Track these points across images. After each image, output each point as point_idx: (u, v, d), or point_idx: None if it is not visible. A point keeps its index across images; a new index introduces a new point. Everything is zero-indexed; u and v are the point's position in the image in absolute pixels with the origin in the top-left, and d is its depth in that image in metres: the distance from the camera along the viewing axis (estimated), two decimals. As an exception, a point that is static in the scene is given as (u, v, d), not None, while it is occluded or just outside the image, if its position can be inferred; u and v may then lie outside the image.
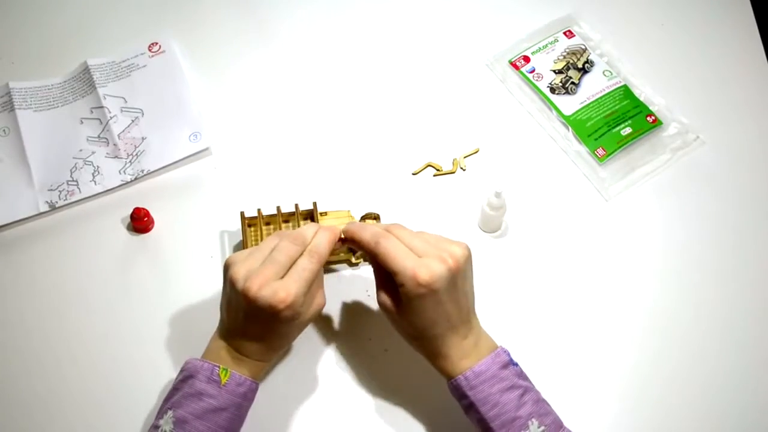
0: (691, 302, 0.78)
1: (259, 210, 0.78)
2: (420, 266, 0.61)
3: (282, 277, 0.62)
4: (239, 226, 0.79)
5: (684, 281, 0.79)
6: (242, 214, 0.78)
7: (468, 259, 0.64)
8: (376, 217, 0.80)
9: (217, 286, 0.78)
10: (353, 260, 0.79)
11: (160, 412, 0.63)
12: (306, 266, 0.63)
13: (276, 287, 0.61)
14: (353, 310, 0.78)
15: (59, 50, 0.95)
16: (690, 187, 0.85)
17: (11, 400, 0.73)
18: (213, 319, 0.76)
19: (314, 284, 0.65)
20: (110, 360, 0.75)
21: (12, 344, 0.76)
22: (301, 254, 0.64)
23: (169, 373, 0.73)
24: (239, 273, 0.62)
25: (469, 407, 0.63)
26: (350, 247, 0.78)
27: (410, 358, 0.69)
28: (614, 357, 0.75)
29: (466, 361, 0.63)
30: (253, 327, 0.64)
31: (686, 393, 0.73)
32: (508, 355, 0.65)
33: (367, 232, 0.65)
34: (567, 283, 0.79)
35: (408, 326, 0.64)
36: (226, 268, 0.65)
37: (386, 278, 0.64)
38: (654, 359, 0.74)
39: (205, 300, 0.78)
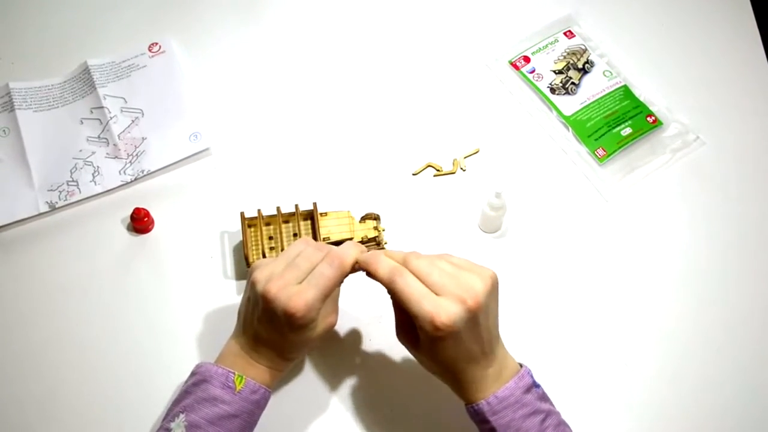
0: (691, 302, 0.78)
1: (259, 210, 0.78)
2: (438, 310, 0.57)
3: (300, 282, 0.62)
4: (239, 226, 0.79)
5: (684, 281, 0.79)
6: (242, 214, 0.78)
7: (490, 293, 0.60)
8: (377, 218, 0.80)
9: (216, 286, 0.79)
10: None
11: (171, 415, 0.63)
12: (325, 272, 0.62)
13: (293, 292, 0.61)
14: (358, 315, 0.78)
15: (59, 50, 0.95)
16: (690, 188, 0.85)
17: (11, 401, 0.73)
18: (213, 319, 0.77)
19: (330, 299, 0.64)
20: (110, 360, 0.75)
21: (12, 344, 0.76)
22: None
23: (169, 374, 0.73)
24: (261, 274, 0.62)
25: None
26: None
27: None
28: (614, 357, 0.75)
29: (489, 383, 0.61)
30: (268, 331, 0.63)
31: (687, 393, 0.73)
32: (531, 376, 0.63)
33: (382, 267, 0.62)
34: (567, 284, 0.79)
35: (428, 362, 0.63)
36: (251, 270, 0.65)
37: (403, 311, 0.61)
38: (654, 359, 0.74)
39: (205, 300, 0.78)
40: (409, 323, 0.62)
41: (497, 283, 0.61)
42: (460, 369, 0.61)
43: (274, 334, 0.63)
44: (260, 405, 0.65)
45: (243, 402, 0.63)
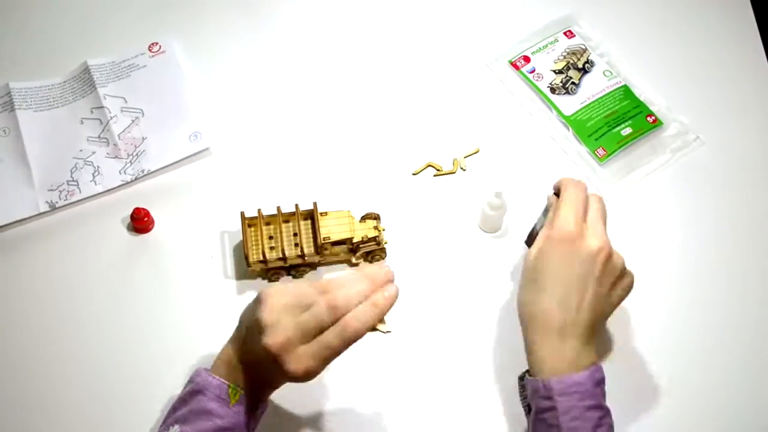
0: (691, 302, 0.78)
1: (259, 210, 0.78)
2: (577, 222, 0.66)
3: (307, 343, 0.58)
4: (239, 226, 0.79)
5: (685, 281, 0.79)
6: (242, 214, 0.78)
7: (625, 279, 0.68)
8: (377, 217, 0.80)
9: (216, 286, 0.79)
10: (353, 260, 0.79)
11: (165, 424, 0.62)
12: (331, 344, 0.59)
13: (294, 357, 0.58)
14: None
15: (59, 50, 0.95)
16: (690, 187, 0.85)
17: (11, 401, 0.73)
18: (213, 319, 0.76)
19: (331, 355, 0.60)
20: (110, 360, 0.75)
21: (12, 344, 0.76)
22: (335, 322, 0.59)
23: (169, 373, 0.73)
24: (271, 316, 0.58)
25: (548, 409, 0.61)
26: (350, 248, 0.78)
27: (417, 362, 0.69)
28: (614, 357, 0.75)
29: (565, 362, 0.62)
30: (259, 367, 0.61)
31: (687, 393, 0.73)
32: (602, 373, 0.64)
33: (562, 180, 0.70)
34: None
35: (531, 282, 0.66)
36: (259, 296, 0.60)
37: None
38: (654, 359, 0.74)
39: (205, 300, 0.78)
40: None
41: (631, 286, 0.68)
42: (549, 306, 0.64)
43: (266, 372, 0.61)
44: (256, 417, 0.64)
45: (237, 415, 0.61)
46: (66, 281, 0.79)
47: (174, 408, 0.64)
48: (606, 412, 0.63)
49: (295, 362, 0.58)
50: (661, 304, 0.77)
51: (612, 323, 0.76)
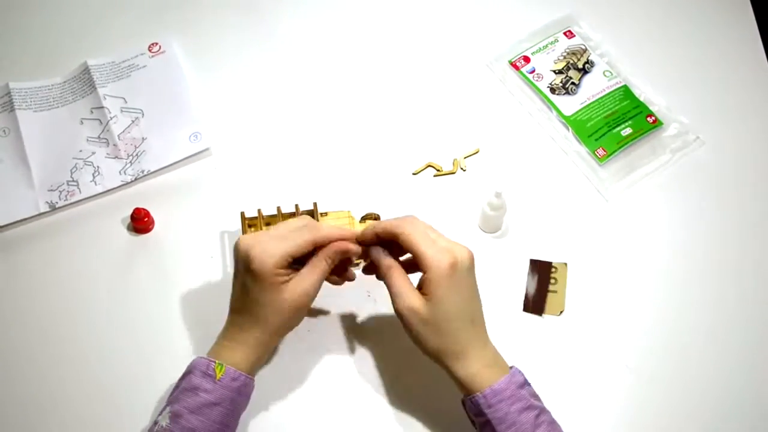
0: (692, 302, 0.78)
1: (259, 210, 0.78)
2: (443, 249, 0.64)
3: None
4: (239, 226, 0.79)
5: (685, 281, 0.79)
6: (242, 214, 0.78)
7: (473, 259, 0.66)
8: (377, 217, 0.80)
9: (217, 286, 0.79)
10: (353, 260, 0.79)
11: (161, 409, 0.65)
12: (298, 236, 0.66)
13: (260, 241, 0.65)
14: (353, 311, 0.78)
15: (59, 50, 0.95)
16: (690, 187, 0.85)
17: (11, 401, 0.73)
18: (213, 319, 0.76)
19: (307, 277, 0.66)
20: (110, 359, 0.75)
21: (12, 344, 0.76)
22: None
23: (168, 373, 0.72)
24: (245, 240, 0.65)
25: (485, 425, 0.62)
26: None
27: (410, 361, 0.69)
28: (614, 357, 0.75)
29: (486, 374, 0.63)
30: (240, 292, 0.66)
31: (687, 393, 0.73)
32: (523, 375, 0.65)
33: (391, 223, 0.67)
34: (567, 284, 0.79)
35: (432, 327, 0.63)
36: (235, 243, 0.67)
37: (403, 286, 0.65)
38: (654, 359, 0.74)
39: (205, 300, 0.78)
40: (410, 289, 0.65)
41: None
42: (461, 329, 0.64)
43: (245, 294, 0.66)
44: (242, 392, 0.66)
45: (223, 389, 0.64)
46: (66, 281, 0.79)
47: (169, 395, 0.66)
48: (541, 410, 0.63)
49: (258, 247, 0.64)
50: (661, 304, 0.77)
51: (612, 323, 0.76)
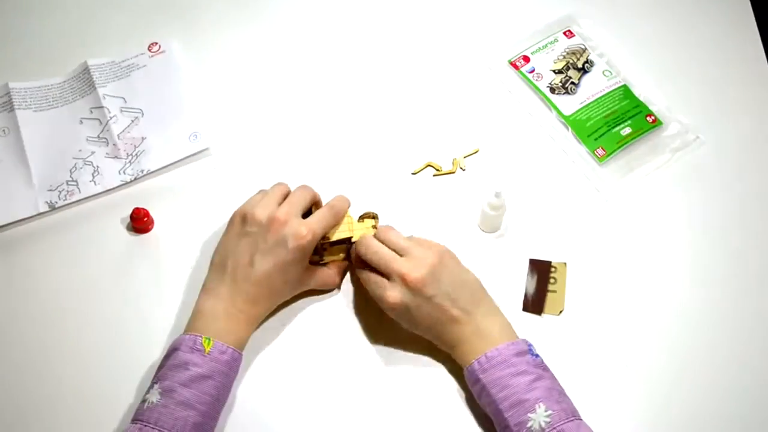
0: (691, 302, 0.78)
1: None
2: (416, 264, 0.69)
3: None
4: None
5: (685, 280, 0.79)
6: None
7: (446, 253, 0.72)
8: (375, 216, 0.80)
9: (216, 286, 0.79)
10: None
11: (148, 389, 0.65)
12: (324, 215, 0.73)
13: (300, 222, 0.70)
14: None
15: (59, 50, 0.95)
16: (690, 187, 0.85)
17: (11, 400, 0.73)
18: (212, 319, 0.76)
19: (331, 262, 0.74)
20: (110, 360, 0.75)
21: (11, 344, 0.76)
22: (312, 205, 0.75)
23: (168, 373, 0.73)
24: (263, 210, 0.71)
25: (481, 391, 0.65)
26: (349, 248, 0.78)
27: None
28: (613, 357, 0.75)
29: (476, 346, 0.67)
30: (264, 264, 0.69)
31: (688, 394, 0.73)
32: (529, 346, 0.68)
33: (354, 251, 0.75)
34: (566, 283, 0.79)
35: (423, 314, 0.69)
36: (241, 211, 0.72)
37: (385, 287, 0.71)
38: (654, 359, 0.74)
39: (204, 300, 0.78)
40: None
41: (450, 253, 0.73)
42: (437, 334, 0.70)
43: (272, 266, 0.69)
44: (231, 366, 0.67)
45: (213, 363, 0.65)
46: (65, 281, 0.79)
47: (154, 375, 0.67)
48: (538, 376, 0.65)
49: (303, 225, 0.70)
50: (661, 303, 0.77)
51: (611, 322, 0.76)
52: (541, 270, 0.79)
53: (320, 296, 0.77)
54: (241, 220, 0.72)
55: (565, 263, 0.79)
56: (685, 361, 0.74)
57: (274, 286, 0.71)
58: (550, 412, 0.62)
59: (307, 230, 0.69)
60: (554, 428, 0.62)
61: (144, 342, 0.76)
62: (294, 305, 0.76)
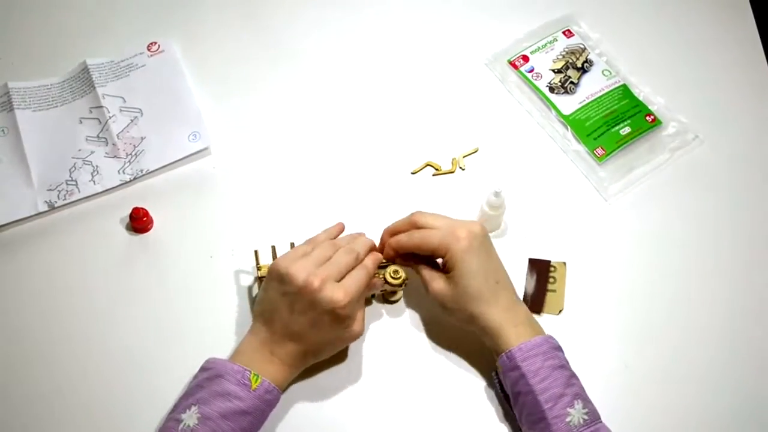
0: (690, 301, 0.78)
1: (273, 247, 0.75)
2: (454, 227, 0.69)
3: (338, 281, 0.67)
4: (239, 226, 0.79)
5: (684, 280, 0.79)
6: (256, 252, 0.76)
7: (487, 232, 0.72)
8: (397, 270, 0.75)
9: (216, 285, 0.79)
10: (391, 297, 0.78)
11: (182, 407, 0.64)
12: (360, 276, 0.68)
13: (337, 286, 0.66)
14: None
15: (58, 50, 0.95)
16: (689, 187, 0.85)
17: (11, 400, 0.73)
18: (212, 319, 0.76)
19: (358, 305, 0.69)
20: (110, 359, 0.75)
21: (11, 344, 0.76)
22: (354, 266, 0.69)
23: (169, 373, 0.72)
24: (299, 272, 0.66)
25: (519, 380, 0.65)
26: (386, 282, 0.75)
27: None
28: (612, 356, 0.75)
29: (520, 331, 0.67)
30: (303, 324, 0.66)
31: (688, 394, 0.73)
32: (556, 342, 0.68)
33: (400, 237, 0.73)
34: (566, 283, 0.79)
35: (462, 297, 0.68)
36: (279, 269, 0.67)
37: (429, 273, 0.72)
38: (653, 358, 0.74)
39: (204, 300, 0.78)
40: (439, 279, 0.71)
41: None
42: (489, 296, 0.68)
43: (309, 327, 0.66)
44: (271, 405, 0.66)
45: (256, 400, 0.64)
46: (65, 281, 0.79)
47: (189, 393, 0.65)
48: (573, 374, 0.66)
49: (338, 291, 0.65)
50: (660, 303, 0.77)
51: (610, 322, 0.76)
52: (541, 269, 0.79)
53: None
54: (278, 277, 0.68)
55: (564, 263, 0.79)
56: (684, 361, 0.74)
57: (314, 343, 0.68)
58: (587, 410, 0.64)
59: (343, 295, 0.65)
60: (591, 426, 0.63)
61: (144, 342, 0.76)
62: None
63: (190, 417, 0.62)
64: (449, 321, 0.72)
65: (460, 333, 0.73)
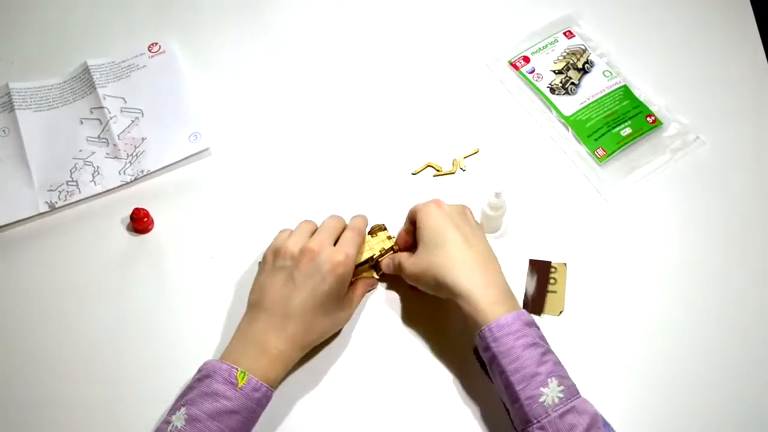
0: (691, 302, 0.78)
1: None
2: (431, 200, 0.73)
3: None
4: (239, 226, 0.79)
5: (685, 281, 0.79)
6: (261, 264, 0.76)
7: (467, 209, 0.76)
8: (383, 228, 0.78)
9: (216, 286, 0.79)
10: (376, 276, 0.78)
11: (173, 409, 0.64)
12: (353, 236, 0.72)
13: (334, 248, 0.69)
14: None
15: (59, 51, 0.95)
16: (690, 188, 0.85)
17: (11, 400, 0.73)
18: (212, 319, 0.76)
19: (350, 289, 0.72)
20: (110, 360, 0.75)
21: (11, 344, 0.76)
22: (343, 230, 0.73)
23: (169, 373, 0.73)
24: (295, 244, 0.70)
25: (492, 360, 0.64)
26: (372, 265, 0.77)
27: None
28: (613, 357, 0.75)
29: (493, 309, 0.65)
30: (300, 298, 0.67)
31: (689, 394, 0.73)
32: (529, 316, 0.67)
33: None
34: (566, 283, 0.79)
35: (423, 256, 0.70)
36: (272, 247, 0.71)
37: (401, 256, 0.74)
38: (654, 359, 0.74)
39: (204, 300, 0.78)
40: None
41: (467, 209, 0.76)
42: (462, 277, 0.67)
43: (308, 296, 0.67)
44: (261, 403, 0.66)
45: (244, 399, 0.63)
46: (65, 281, 0.79)
47: (181, 395, 0.65)
48: (547, 350, 0.65)
49: (338, 251, 0.69)
50: (661, 303, 0.77)
51: (611, 323, 0.76)
52: (541, 270, 0.79)
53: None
54: (273, 256, 0.71)
55: (565, 263, 0.79)
56: (684, 361, 0.74)
57: (311, 321, 0.68)
58: (562, 387, 0.62)
59: (343, 254, 0.69)
60: (567, 404, 0.61)
61: (144, 342, 0.76)
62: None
63: (179, 418, 0.62)
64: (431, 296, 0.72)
65: (446, 317, 0.73)
